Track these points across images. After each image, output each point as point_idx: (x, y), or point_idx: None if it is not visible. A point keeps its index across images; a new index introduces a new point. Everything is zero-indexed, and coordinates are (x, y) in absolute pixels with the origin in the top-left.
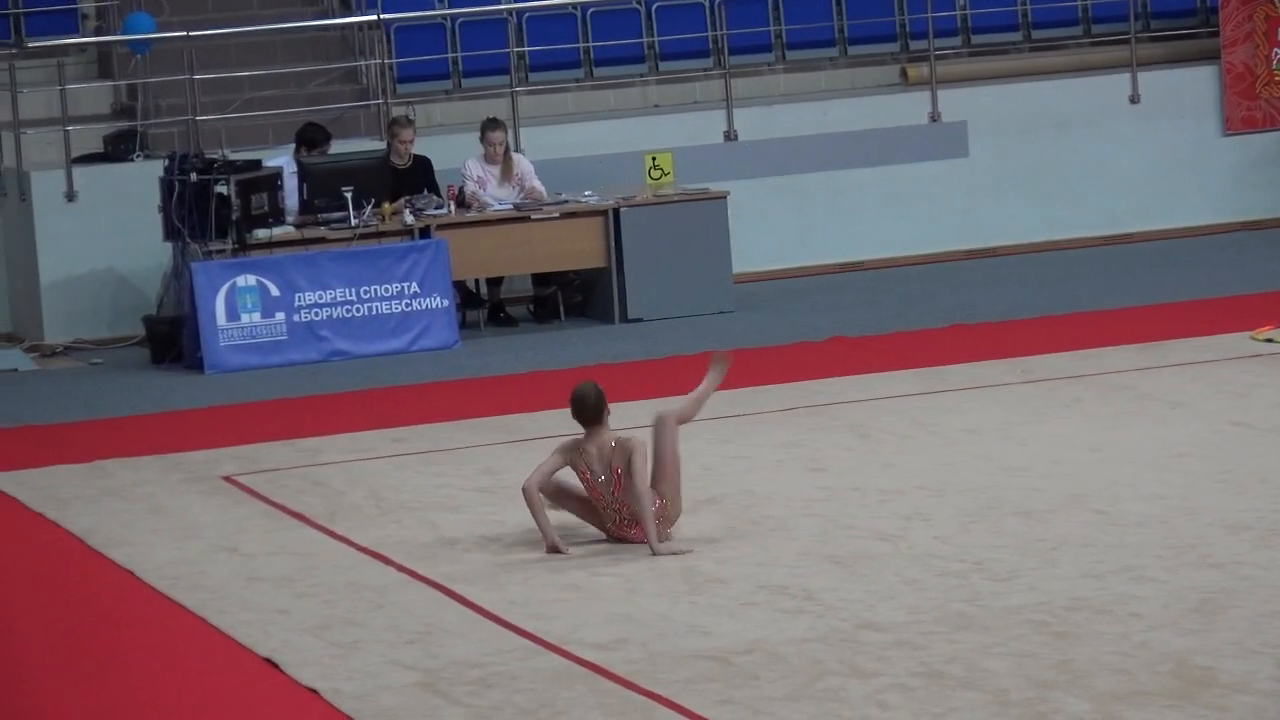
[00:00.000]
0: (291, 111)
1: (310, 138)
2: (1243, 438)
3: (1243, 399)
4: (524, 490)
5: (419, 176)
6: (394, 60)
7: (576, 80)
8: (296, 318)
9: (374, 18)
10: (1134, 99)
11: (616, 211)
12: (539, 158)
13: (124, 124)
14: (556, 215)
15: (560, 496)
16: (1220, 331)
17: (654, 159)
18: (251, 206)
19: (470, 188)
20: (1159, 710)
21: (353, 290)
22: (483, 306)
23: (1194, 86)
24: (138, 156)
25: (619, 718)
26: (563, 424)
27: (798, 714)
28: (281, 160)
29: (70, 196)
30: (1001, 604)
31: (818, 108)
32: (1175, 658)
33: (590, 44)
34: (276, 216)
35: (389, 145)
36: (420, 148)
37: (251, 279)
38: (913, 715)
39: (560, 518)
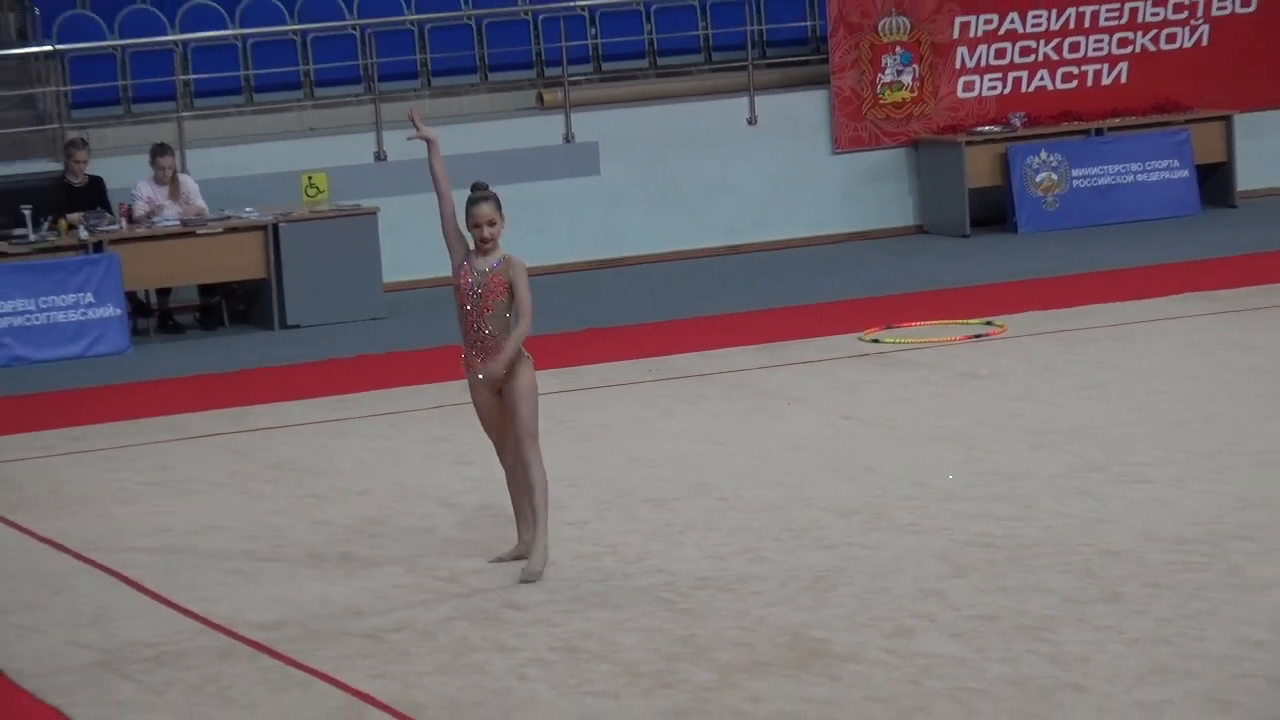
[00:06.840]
0: None
1: None
2: (852, 430)
3: (852, 395)
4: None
5: (93, 194)
6: (68, 87)
7: (238, 106)
8: None
9: (49, 48)
10: (752, 120)
11: (276, 227)
12: (204, 177)
13: None
14: (220, 230)
15: None
16: (832, 333)
17: (310, 178)
18: None
19: (141, 207)
20: (776, 680)
21: (32, 300)
22: (152, 315)
23: (807, 109)
24: None
25: (280, 691)
26: (228, 421)
27: (446, 686)
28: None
29: None
30: (632, 584)
31: (461, 130)
32: (792, 631)
33: (250, 71)
34: None
35: (66, 165)
36: (94, 169)
37: None
38: (551, 686)
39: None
